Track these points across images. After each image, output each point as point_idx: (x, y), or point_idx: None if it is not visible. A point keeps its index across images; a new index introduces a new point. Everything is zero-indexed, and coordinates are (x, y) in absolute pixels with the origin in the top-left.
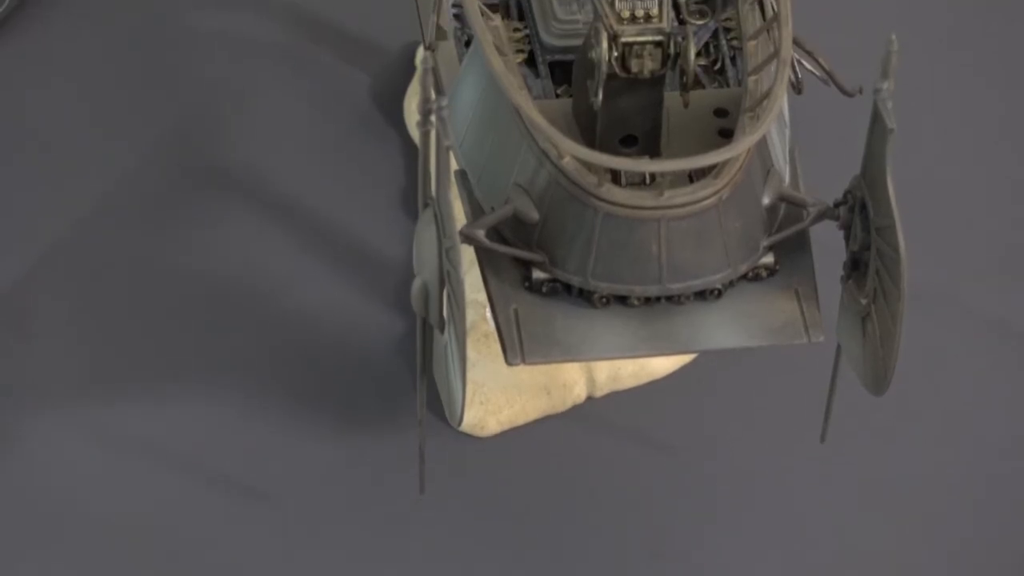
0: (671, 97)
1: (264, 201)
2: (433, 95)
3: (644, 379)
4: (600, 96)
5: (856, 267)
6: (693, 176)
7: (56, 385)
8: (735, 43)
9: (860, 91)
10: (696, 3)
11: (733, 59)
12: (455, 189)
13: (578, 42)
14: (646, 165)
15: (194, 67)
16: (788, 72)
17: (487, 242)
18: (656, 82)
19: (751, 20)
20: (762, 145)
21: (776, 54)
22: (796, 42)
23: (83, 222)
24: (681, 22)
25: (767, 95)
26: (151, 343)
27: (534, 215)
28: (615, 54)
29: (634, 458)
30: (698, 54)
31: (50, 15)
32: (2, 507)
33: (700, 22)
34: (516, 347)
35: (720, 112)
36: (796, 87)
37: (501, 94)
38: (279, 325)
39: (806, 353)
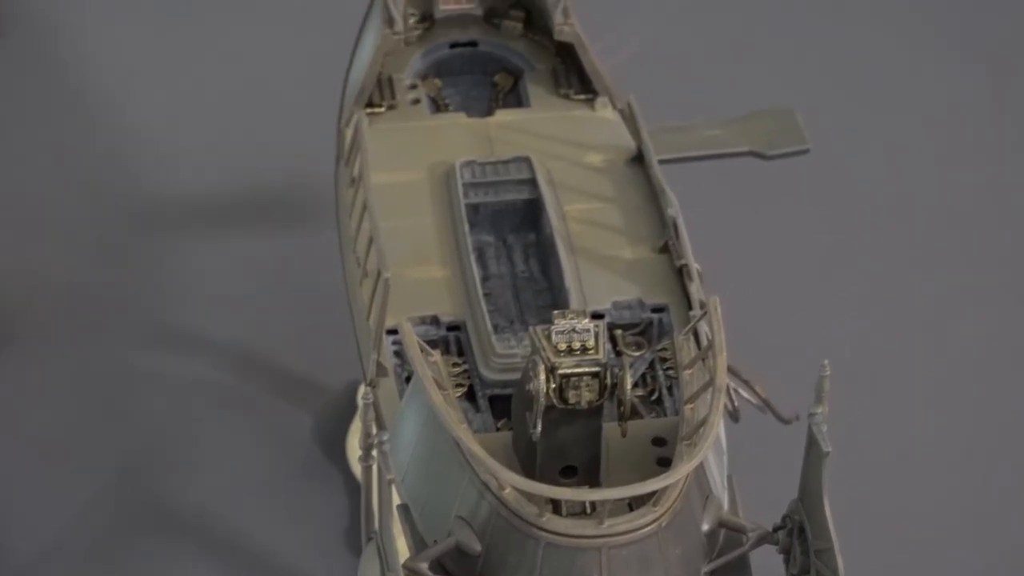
0: (610, 427)
1: (208, 541)
2: (375, 430)
3: None
4: (539, 427)
5: None
6: (633, 504)
7: None
8: (671, 372)
9: (796, 418)
10: (632, 335)
11: (670, 388)
12: (398, 524)
13: (516, 376)
14: (586, 494)
15: (136, 407)
16: (724, 400)
17: (430, 575)
18: (594, 413)
19: (687, 350)
20: (700, 472)
21: (711, 382)
22: (731, 370)
23: (29, 565)
24: (618, 353)
25: (703, 423)
26: None
27: (476, 547)
28: (553, 386)
29: None
30: (635, 385)
31: None
32: None
33: (636, 353)
34: None
35: (658, 441)
36: (733, 415)
37: (441, 428)
38: None
39: None
